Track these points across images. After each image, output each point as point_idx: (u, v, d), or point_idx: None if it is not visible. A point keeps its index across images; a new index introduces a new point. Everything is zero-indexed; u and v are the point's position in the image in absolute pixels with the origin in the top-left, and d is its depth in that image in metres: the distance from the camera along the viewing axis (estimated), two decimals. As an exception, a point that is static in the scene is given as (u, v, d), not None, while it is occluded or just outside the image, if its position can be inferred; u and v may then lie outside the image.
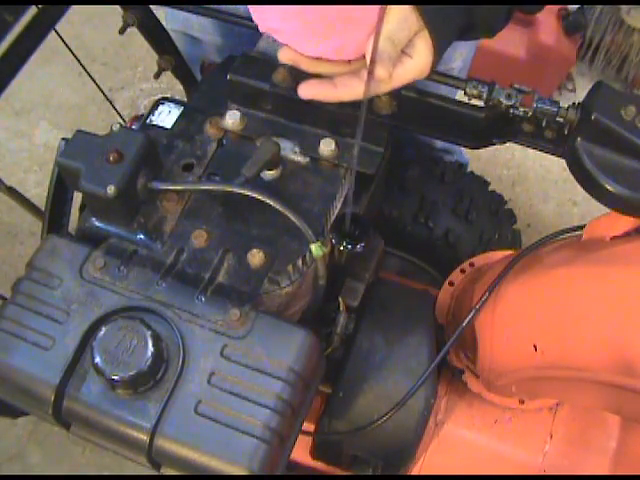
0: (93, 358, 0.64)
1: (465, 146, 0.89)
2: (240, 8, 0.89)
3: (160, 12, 1.20)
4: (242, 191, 0.73)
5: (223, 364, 0.67)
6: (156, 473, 0.71)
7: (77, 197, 0.82)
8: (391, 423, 0.89)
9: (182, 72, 1.26)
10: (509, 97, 0.78)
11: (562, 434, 1.00)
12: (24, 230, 1.95)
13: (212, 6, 0.94)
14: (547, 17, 1.92)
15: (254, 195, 0.72)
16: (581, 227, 0.85)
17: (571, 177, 0.77)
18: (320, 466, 1.04)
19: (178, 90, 1.38)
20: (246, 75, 0.84)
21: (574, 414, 1.01)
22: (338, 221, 0.82)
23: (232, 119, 0.84)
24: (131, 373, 0.63)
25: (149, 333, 0.65)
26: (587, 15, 1.97)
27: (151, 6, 1.11)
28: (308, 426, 0.97)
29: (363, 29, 0.68)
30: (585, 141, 0.74)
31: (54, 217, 0.91)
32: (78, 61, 1.22)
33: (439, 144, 1.46)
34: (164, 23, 1.28)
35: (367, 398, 0.91)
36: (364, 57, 0.70)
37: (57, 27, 0.99)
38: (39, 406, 0.68)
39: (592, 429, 1.00)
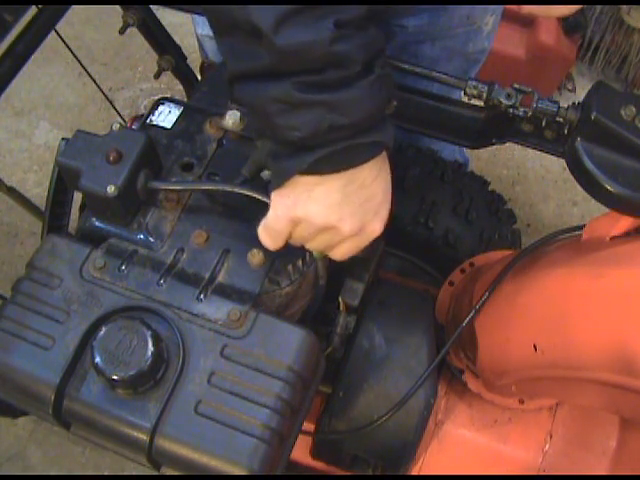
0: (93, 358, 0.64)
1: (465, 146, 0.89)
2: None
3: (183, 18, 1.17)
4: (242, 191, 0.73)
5: (223, 364, 0.67)
6: (156, 473, 0.71)
7: (77, 197, 0.82)
8: (391, 423, 0.89)
9: (182, 72, 1.26)
10: (509, 97, 0.78)
11: (562, 434, 1.00)
12: (24, 230, 1.95)
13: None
14: (547, 17, 1.92)
15: (254, 195, 0.72)
16: (581, 227, 0.85)
17: (571, 177, 0.77)
18: (320, 466, 1.04)
19: (178, 90, 1.38)
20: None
21: (574, 414, 1.01)
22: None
23: (232, 119, 0.84)
24: (131, 373, 0.63)
25: (149, 333, 0.65)
26: (587, 15, 1.97)
27: (151, 6, 1.11)
28: (308, 426, 0.97)
29: None
30: (585, 141, 0.74)
31: (54, 217, 0.91)
32: (78, 61, 1.23)
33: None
34: (195, 28, 1.24)
35: (367, 398, 0.91)
36: None
37: (57, 27, 0.99)
38: (39, 406, 0.68)
39: (592, 429, 1.00)
